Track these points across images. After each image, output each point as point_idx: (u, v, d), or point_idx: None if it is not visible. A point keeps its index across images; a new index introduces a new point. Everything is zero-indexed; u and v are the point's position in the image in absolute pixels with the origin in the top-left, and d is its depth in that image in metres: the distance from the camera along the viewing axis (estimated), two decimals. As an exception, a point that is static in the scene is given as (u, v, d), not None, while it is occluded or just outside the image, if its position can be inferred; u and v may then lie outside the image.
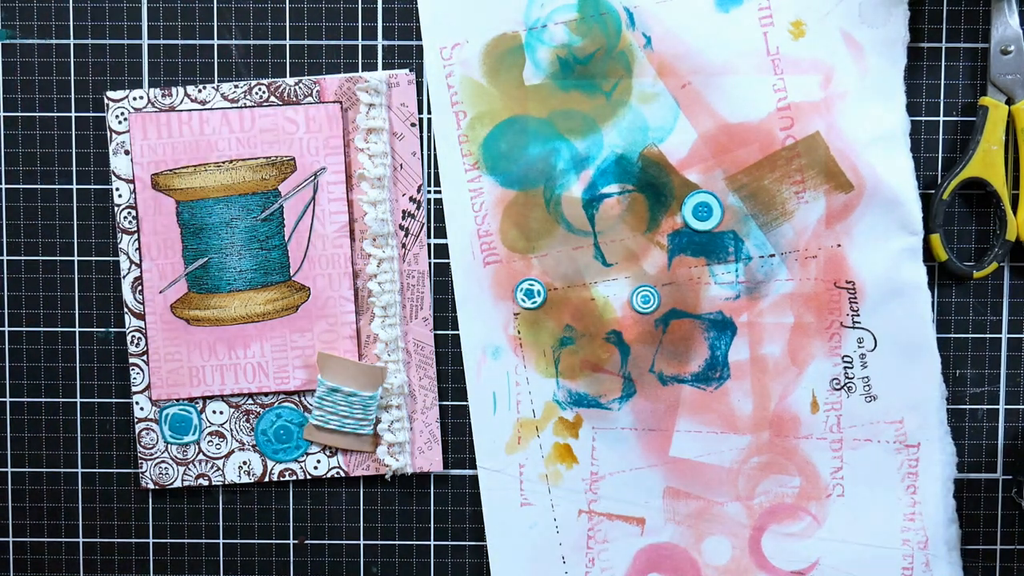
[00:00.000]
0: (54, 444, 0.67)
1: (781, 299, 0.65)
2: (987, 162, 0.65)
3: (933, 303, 0.66)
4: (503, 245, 0.66)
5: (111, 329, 0.66)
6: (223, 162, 0.65)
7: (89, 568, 0.68)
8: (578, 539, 0.67)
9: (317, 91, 0.65)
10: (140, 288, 0.66)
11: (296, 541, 0.67)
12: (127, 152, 0.65)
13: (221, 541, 0.67)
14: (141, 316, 0.66)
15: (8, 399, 0.66)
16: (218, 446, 0.66)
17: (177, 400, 0.66)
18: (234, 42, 0.65)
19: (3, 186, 0.66)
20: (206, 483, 0.67)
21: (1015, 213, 0.66)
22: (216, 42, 0.65)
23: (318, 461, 0.67)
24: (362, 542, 0.68)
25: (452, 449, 0.67)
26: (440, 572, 0.68)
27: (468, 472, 0.67)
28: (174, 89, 0.65)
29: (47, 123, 0.66)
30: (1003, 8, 0.65)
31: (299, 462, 0.67)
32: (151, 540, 0.68)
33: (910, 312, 0.65)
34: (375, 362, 0.66)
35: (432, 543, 0.68)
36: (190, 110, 0.65)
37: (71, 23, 0.65)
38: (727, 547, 0.67)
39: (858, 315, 0.65)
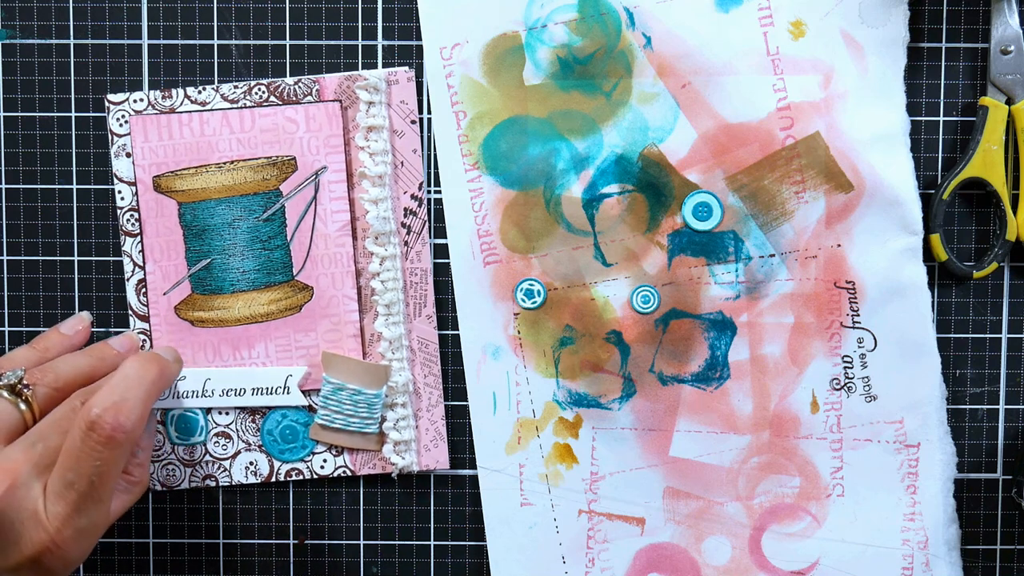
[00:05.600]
0: (54, 444, 0.68)
1: (781, 299, 0.67)
2: (987, 162, 0.66)
3: (933, 303, 0.67)
4: (503, 245, 0.67)
5: (111, 329, 0.67)
6: (224, 163, 0.66)
7: (89, 568, 0.69)
8: (578, 539, 0.68)
9: (317, 90, 0.66)
10: (144, 290, 0.67)
11: (296, 541, 0.69)
12: (128, 155, 0.66)
13: (221, 541, 0.69)
14: (146, 318, 0.67)
15: (8, 399, 0.68)
16: (224, 447, 0.67)
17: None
18: (234, 42, 0.67)
19: (3, 186, 0.67)
20: (213, 484, 0.68)
21: (1015, 213, 0.67)
22: (216, 42, 0.67)
23: (324, 460, 0.67)
24: (362, 542, 0.69)
25: (453, 449, 0.68)
26: (440, 572, 0.69)
27: (468, 472, 0.68)
28: (174, 91, 0.66)
29: (47, 123, 0.67)
30: (1003, 8, 0.66)
31: (305, 462, 0.67)
32: (151, 540, 0.69)
33: (910, 312, 0.67)
34: (379, 360, 0.67)
35: (432, 543, 0.69)
36: (190, 111, 0.66)
37: (71, 23, 0.66)
38: (727, 547, 0.68)
39: (858, 315, 0.67)
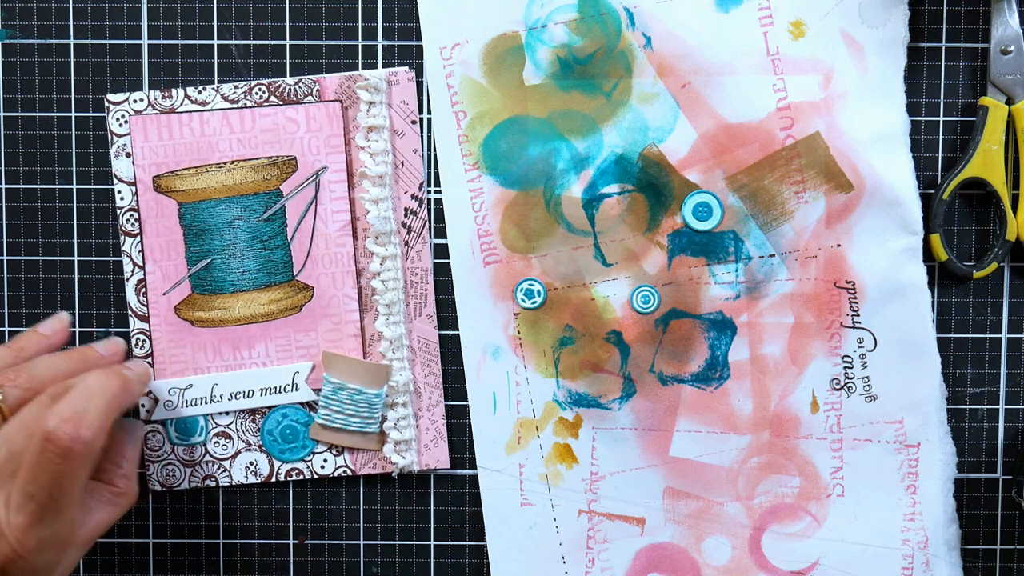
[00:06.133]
0: (54, 444, 0.68)
1: (781, 299, 0.67)
2: (987, 162, 0.66)
3: (933, 303, 0.68)
4: (503, 245, 0.67)
5: (111, 329, 0.68)
6: (224, 163, 0.66)
7: (89, 568, 0.69)
8: (578, 539, 0.68)
9: (317, 90, 0.66)
10: (144, 290, 0.67)
11: (296, 541, 0.69)
12: (128, 155, 0.67)
13: (221, 541, 0.69)
14: (145, 318, 0.67)
15: (8, 399, 0.68)
16: (224, 447, 0.68)
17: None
18: (234, 42, 0.67)
19: (3, 186, 0.67)
20: (213, 484, 0.68)
21: (1015, 213, 0.67)
22: (216, 42, 0.67)
23: (324, 460, 0.68)
24: (362, 542, 0.69)
25: (453, 449, 0.68)
26: (440, 572, 0.69)
27: (469, 472, 0.69)
28: (174, 91, 0.66)
29: (47, 123, 0.67)
30: (1003, 8, 0.66)
31: (306, 461, 0.68)
32: (151, 540, 0.69)
33: (910, 312, 0.67)
34: (380, 360, 0.67)
35: (432, 543, 0.69)
36: (190, 111, 0.66)
37: (71, 23, 0.67)
38: (727, 547, 0.68)
39: (858, 315, 0.67)
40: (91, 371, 0.58)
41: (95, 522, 0.59)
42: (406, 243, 0.68)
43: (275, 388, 0.67)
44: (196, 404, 0.67)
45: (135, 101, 0.67)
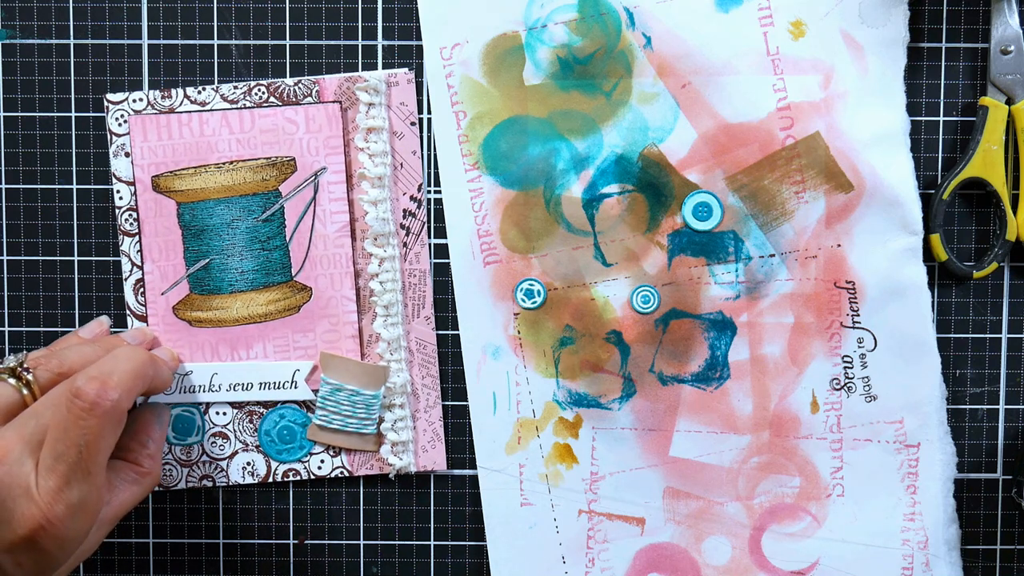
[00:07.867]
0: (54, 444, 0.68)
1: (781, 299, 0.67)
2: (987, 162, 0.66)
3: (933, 303, 0.67)
4: (503, 245, 0.67)
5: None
6: (223, 163, 0.66)
7: (89, 568, 0.69)
8: (578, 539, 0.68)
9: (316, 91, 0.66)
10: (142, 290, 0.67)
11: (296, 541, 0.69)
12: (127, 154, 0.66)
13: (221, 541, 0.69)
14: (143, 318, 0.67)
15: (8, 399, 0.68)
16: (221, 447, 0.68)
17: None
18: (234, 42, 0.67)
19: (3, 186, 0.67)
20: (210, 484, 0.68)
21: (1015, 213, 0.67)
22: (216, 42, 0.67)
23: (322, 461, 0.68)
24: (362, 542, 0.69)
25: (453, 449, 0.68)
26: (440, 572, 0.69)
27: (469, 472, 0.68)
28: (173, 91, 0.66)
29: (47, 123, 0.67)
30: (1003, 8, 0.66)
31: (303, 462, 0.68)
32: (151, 540, 0.69)
33: (910, 312, 0.66)
34: (378, 361, 0.67)
35: (432, 543, 0.69)
36: (190, 112, 0.66)
37: (71, 23, 0.67)
38: (727, 547, 0.68)
39: (858, 315, 0.67)
40: (121, 346, 0.60)
41: (119, 501, 0.59)
42: (404, 245, 0.67)
43: (274, 383, 0.67)
44: (193, 391, 0.67)
45: (135, 101, 0.66)
